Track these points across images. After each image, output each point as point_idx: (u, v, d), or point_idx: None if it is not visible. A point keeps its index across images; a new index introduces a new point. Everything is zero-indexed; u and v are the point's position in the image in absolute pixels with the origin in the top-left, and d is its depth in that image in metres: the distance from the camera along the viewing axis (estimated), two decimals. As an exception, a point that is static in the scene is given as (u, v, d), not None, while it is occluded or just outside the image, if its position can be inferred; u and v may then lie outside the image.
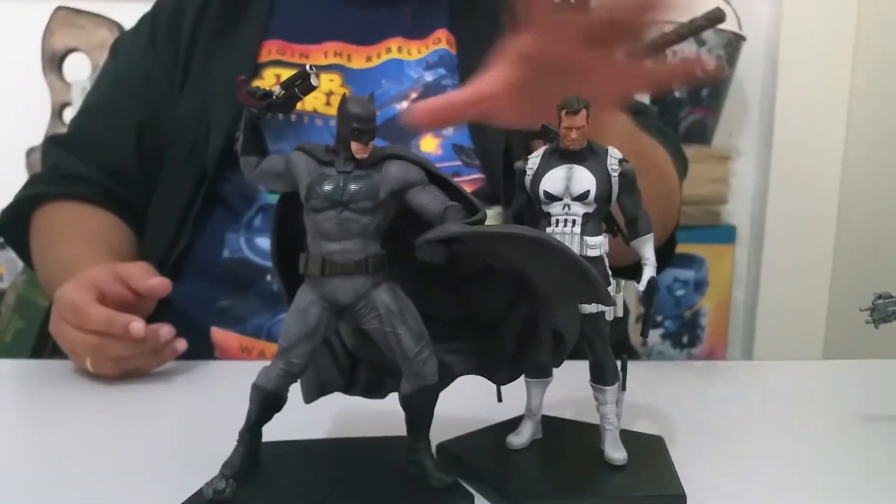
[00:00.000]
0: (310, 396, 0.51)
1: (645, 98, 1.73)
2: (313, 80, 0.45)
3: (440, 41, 0.94)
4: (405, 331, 0.44)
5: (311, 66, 0.44)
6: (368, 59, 0.93)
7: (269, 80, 0.89)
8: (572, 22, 0.54)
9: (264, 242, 0.85)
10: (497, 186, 0.86)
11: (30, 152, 1.72)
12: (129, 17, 1.12)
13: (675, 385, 0.74)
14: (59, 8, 1.71)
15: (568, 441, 0.53)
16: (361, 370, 0.52)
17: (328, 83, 0.90)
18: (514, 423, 0.54)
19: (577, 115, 0.47)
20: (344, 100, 0.43)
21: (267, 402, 0.45)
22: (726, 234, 1.97)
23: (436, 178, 0.45)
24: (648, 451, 0.52)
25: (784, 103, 2.08)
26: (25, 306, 1.84)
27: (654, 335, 1.93)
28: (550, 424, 0.54)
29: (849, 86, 2.09)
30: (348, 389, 0.52)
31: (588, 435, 0.52)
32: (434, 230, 0.42)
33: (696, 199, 1.83)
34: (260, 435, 0.46)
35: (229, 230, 0.86)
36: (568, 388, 0.57)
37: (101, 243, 0.87)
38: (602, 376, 0.50)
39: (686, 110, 1.90)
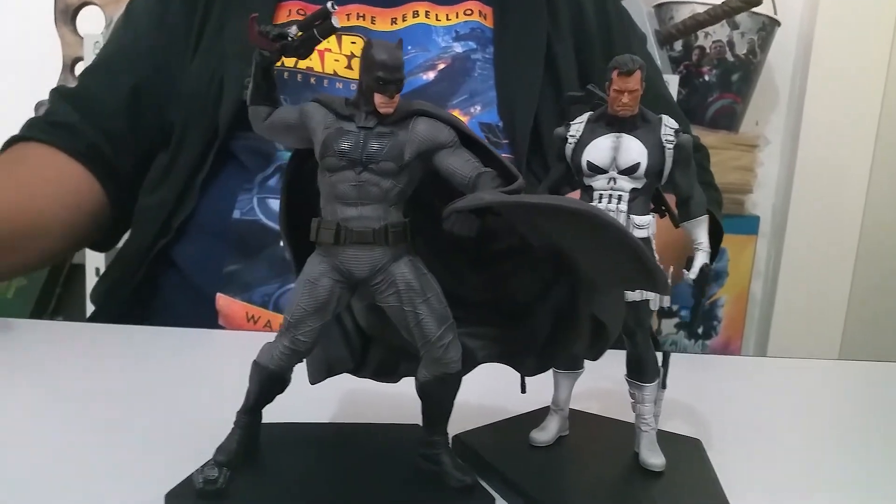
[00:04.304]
0: (316, 377, 0.46)
1: (674, 82, 1.68)
2: (334, 21, 0.39)
3: (472, 13, 0.89)
4: (427, 311, 0.39)
5: (332, 4, 0.39)
6: (393, 21, 0.88)
7: None
8: None
9: (277, 204, 0.80)
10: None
11: (38, 106, 1.67)
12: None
13: (706, 381, 0.69)
14: (75, -41, 1.65)
15: (598, 440, 0.48)
16: (373, 350, 0.47)
17: (350, 46, 0.86)
18: (537, 416, 0.49)
19: (630, 76, 0.42)
20: (368, 45, 0.38)
21: (268, 383, 0.40)
22: (749, 225, 1.91)
23: (468, 141, 0.40)
24: (686, 455, 0.47)
25: (815, 93, 2.02)
26: (28, 264, 1.81)
27: (669, 325, 1.88)
28: (578, 420, 0.49)
29: (884, 78, 2.02)
30: (358, 371, 0.48)
31: (620, 434, 0.47)
32: (465, 198, 0.37)
33: (719, 188, 1.78)
34: (260, 417, 0.42)
35: (241, 190, 0.82)
36: (594, 378, 0.52)
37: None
38: (641, 372, 0.45)
39: (715, 95, 1.83)
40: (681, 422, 0.56)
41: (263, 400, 0.41)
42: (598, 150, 0.43)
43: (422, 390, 0.41)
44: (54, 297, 1.80)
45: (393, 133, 0.39)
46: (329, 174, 0.39)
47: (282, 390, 0.41)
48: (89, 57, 1.61)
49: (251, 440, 0.41)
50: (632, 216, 0.42)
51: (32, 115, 1.67)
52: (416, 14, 0.88)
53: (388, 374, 0.48)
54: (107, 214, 0.91)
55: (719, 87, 1.83)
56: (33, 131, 0.90)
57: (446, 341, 0.39)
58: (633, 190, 0.43)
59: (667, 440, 0.46)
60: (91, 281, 1.54)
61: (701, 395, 0.62)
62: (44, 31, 1.71)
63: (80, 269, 1.74)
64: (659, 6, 1.85)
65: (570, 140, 0.45)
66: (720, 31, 1.79)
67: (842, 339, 2.07)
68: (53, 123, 0.90)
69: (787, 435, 0.56)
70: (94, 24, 1.68)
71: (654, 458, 0.44)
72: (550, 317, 0.41)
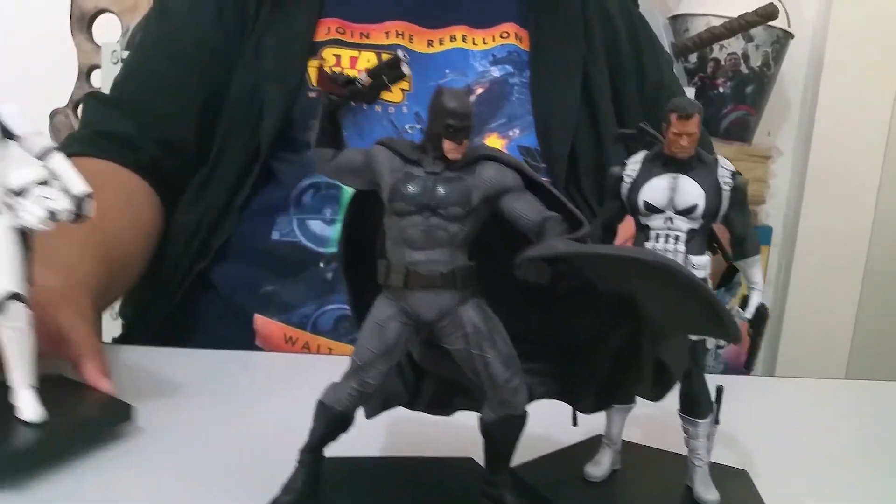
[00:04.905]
0: (372, 411, 0.47)
1: (689, 93, 1.68)
2: (404, 69, 0.40)
3: (508, 36, 0.89)
4: (494, 354, 0.40)
5: (403, 52, 0.40)
6: (430, 43, 0.88)
7: (329, 60, 0.81)
8: None
9: (317, 226, 0.80)
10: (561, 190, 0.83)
11: (53, 114, 1.68)
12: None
13: (736, 403, 0.69)
14: (92, -33, 1.66)
15: (650, 474, 0.49)
16: (427, 383, 0.48)
17: None
18: (589, 446, 0.50)
19: (689, 119, 0.43)
20: (439, 92, 0.39)
21: (334, 423, 0.41)
22: (762, 235, 1.92)
23: (532, 184, 0.40)
24: (735, 488, 0.48)
25: (826, 105, 2.03)
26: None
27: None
28: (630, 452, 0.50)
29: (895, 90, 2.02)
30: (412, 404, 0.48)
31: (672, 467, 0.48)
32: (537, 247, 0.37)
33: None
34: (322, 455, 0.42)
35: (280, 210, 0.81)
36: (639, 405, 0.52)
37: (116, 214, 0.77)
38: (695, 408, 0.45)
39: (729, 107, 1.84)
40: (721, 448, 0.56)
41: (328, 439, 0.42)
42: (655, 191, 0.44)
43: (487, 431, 0.41)
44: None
45: (460, 178, 0.39)
46: (398, 218, 0.39)
47: (346, 430, 0.42)
48: (106, 65, 1.60)
49: (315, 478, 0.42)
50: (689, 256, 0.43)
51: (47, 123, 1.68)
52: (453, 38, 0.88)
53: (442, 407, 0.48)
54: (162, 232, 0.85)
55: (733, 99, 1.83)
56: (84, 146, 0.82)
57: (514, 385, 0.40)
58: (691, 230, 0.43)
59: (715, 472, 0.47)
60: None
61: (731, 418, 0.63)
62: (59, 39, 1.71)
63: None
64: (674, 18, 1.86)
65: (627, 179, 0.45)
66: (735, 44, 1.80)
67: (851, 346, 2.08)
68: (104, 135, 0.83)
69: (830, 461, 0.57)
70: (110, 33, 1.68)
71: (708, 493, 0.45)
72: (611, 357, 0.42)
